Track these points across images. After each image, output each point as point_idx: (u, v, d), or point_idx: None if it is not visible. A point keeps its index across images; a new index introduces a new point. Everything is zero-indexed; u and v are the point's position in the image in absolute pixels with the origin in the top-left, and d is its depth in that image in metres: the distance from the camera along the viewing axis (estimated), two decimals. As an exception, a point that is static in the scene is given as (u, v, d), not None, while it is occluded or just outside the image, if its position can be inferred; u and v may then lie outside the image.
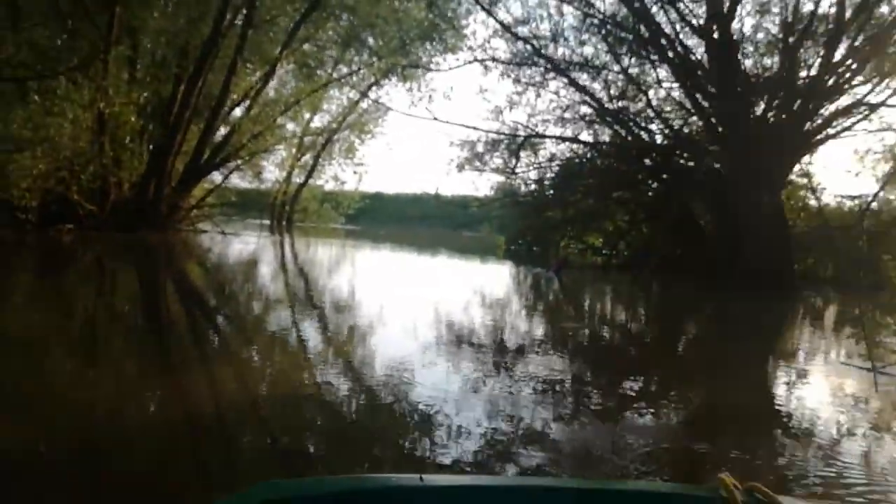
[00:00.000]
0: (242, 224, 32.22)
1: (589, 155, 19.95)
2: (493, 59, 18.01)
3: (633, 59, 16.76)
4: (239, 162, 20.60)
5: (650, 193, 19.19)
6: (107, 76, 15.83)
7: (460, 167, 21.32)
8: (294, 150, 34.52)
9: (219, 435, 3.55)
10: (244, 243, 19.05)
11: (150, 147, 18.45)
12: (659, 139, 18.43)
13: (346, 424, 3.75)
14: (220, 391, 4.34)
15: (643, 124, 17.62)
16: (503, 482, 1.97)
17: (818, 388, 5.43)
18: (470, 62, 18.53)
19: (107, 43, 15.94)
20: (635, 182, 19.43)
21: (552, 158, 20.98)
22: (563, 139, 18.98)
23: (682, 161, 17.26)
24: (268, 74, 18.90)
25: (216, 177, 26.05)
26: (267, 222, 35.10)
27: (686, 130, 17.68)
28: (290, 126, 31.54)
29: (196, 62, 17.06)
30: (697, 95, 15.82)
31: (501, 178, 22.40)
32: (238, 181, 34.47)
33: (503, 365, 5.43)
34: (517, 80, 18.14)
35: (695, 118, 17.20)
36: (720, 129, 15.51)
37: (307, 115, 31.44)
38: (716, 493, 1.52)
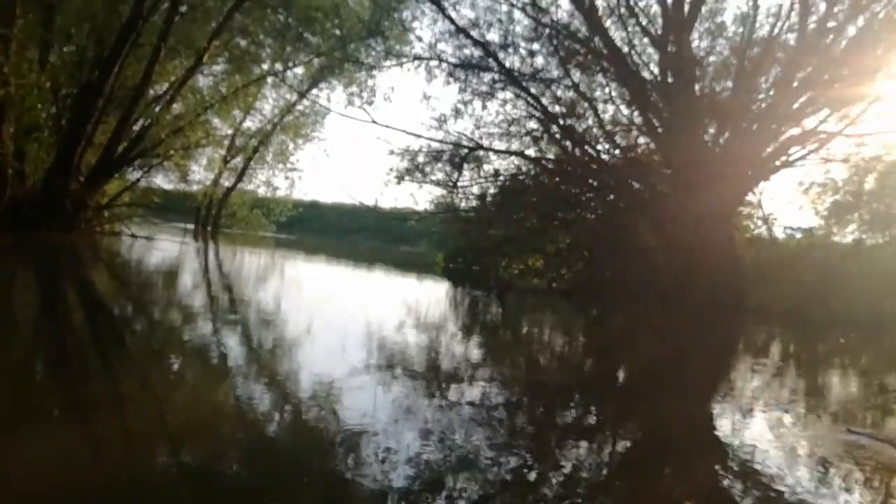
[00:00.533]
0: (164, 228, 30.24)
1: (534, 172, 19.16)
2: (440, 60, 17.02)
3: (583, 74, 16.05)
4: (158, 159, 18.86)
5: (594, 216, 18.50)
6: (8, 54, 14.09)
7: (399, 178, 20.21)
8: (223, 152, 32.71)
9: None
10: (161, 249, 17.37)
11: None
12: (606, 159, 17.80)
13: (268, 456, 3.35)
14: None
15: (591, 142, 16.90)
16: None
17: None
18: (414, 60, 17.47)
19: (8, 16, 14.22)
20: (580, 203, 18.73)
21: (496, 174, 20.11)
22: (508, 153, 18.11)
23: (630, 183, 16.61)
24: (194, 65, 17.34)
25: (135, 175, 24.35)
26: (191, 226, 33.07)
27: (635, 152, 17.10)
28: (220, 125, 29.88)
29: (112, 46, 15.43)
30: (649, 115, 15.22)
31: (442, 192, 21.46)
32: (163, 182, 32.76)
33: (434, 392, 5.11)
34: (463, 88, 17.19)
35: (645, 139, 16.65)
36: (670, 151, 14.95)
37: (239, 115, 29.84)
38: None
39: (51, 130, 17.24)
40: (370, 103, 19.32)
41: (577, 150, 17.83)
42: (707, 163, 14.02)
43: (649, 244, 16.79)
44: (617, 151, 17.26)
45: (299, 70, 30.17)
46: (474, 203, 20.85)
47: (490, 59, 16.53)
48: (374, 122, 18.31)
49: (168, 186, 33.73)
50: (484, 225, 20.33)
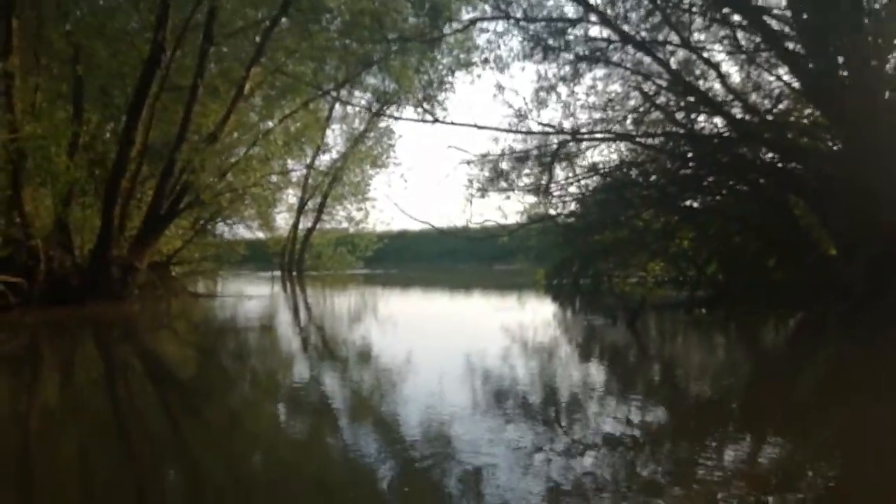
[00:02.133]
0: (249, 279, 28.86)
1: (641, 158, 15.90)
2: (518, 21, 14.06)
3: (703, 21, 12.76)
4: (210, 208, 16.96)
5: (730, 200, 14.97)
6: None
7: (482, 190, 17.46)
8: (300, 193, 31.22)
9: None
10: (230, 309, 15.35)
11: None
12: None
13: None
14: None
15: (720, 108, 13.44)
16: None
17: None
18: (492, 19, 14.70)
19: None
20: (709, 188, 15.27)
21: (595, 168, 16.98)
22: (614, 137, 14.93)
23: (787, 154, 13.04)
24: (235, 98, 15.31)
25: (204, 229, 22.89)
26: (276, 273, 31.63)
27: (789, 115, 13.57)
28: (291, 164, 28.24)
29: (137, 87, 13.60)
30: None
31: (533, 200, 18.53)
32: (239, 232, 31.58)
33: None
34: (552, 57, 14.14)
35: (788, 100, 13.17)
36: (827, 106, 11.42)
37: (309, 152, 28.12)
38: None
39: (96, 193, 15.71)
40: (441, 106, 16.77)
41: (704, 120, 14.44)
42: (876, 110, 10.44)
43: (813, 234, 13.12)
44: (754, 118, 13.69)
45: (361, 95, 28.53)
46: (572, 206, 17.82)
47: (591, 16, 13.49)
48: (436, 121, 15.57)
49: (248, 236, 32.89)
50: (588, 230, 17.22)
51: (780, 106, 14.07)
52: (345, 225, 33.78)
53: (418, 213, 72.92)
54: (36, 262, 12.85)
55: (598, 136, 15.09)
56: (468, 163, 17.14)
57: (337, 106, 30.15)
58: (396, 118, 23.52)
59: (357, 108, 30.13)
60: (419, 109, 22.45)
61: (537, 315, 13.81)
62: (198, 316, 14.13)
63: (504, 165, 16.88)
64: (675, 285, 16.73)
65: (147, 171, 17.39)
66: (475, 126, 14.27)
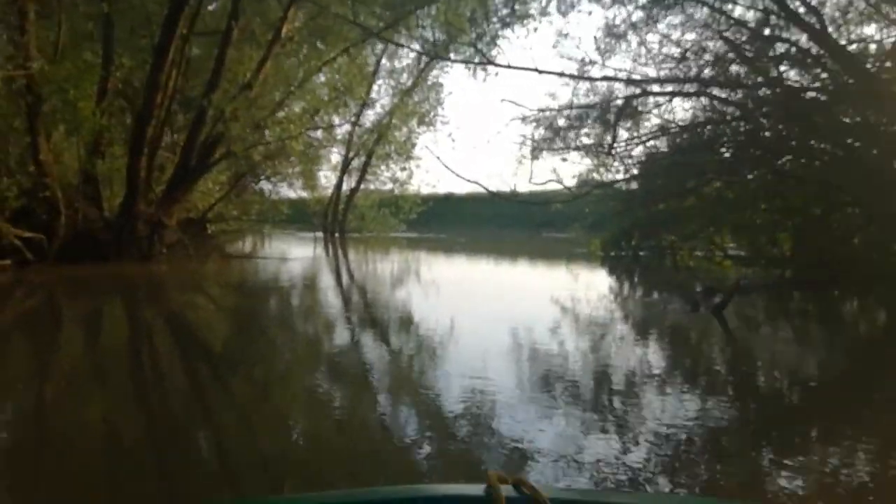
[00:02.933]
0: (290, 239, 28.09)
1: (718, 117, 14.17)
2: None
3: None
4: (249, 162, 15.86)
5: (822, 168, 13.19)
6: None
7: (536, 151, 15.98)
8: (343, 151, 30.10)
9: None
10: (267, 271, 14.37)
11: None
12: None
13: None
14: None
15: (818, 61, 11.65)
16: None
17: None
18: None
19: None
20: (800, 149, 13.49)
21: (663, 129, 15.32)
22: (699, 90, 13.24)
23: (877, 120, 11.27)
24: (272, 41, 14.08)
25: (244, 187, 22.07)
26: (319, 234, 30.76)
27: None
28: (333, 119, 27.09)
29: (163, 23, 12.46)
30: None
31: (593, 163, 16.96)
32: (285, 191, 30.73)
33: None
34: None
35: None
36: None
37: (353, 108, 26.85)
38: (483, 491, 1.41)
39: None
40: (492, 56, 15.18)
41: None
42: None
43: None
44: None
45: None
46: (635, 171, 16.20)
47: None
48: (489, 63, 14.10)
49: (290, 195, 32.05)
50: (653, 196, 15.63)
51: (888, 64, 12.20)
52: (389, 186, 32.59)
53: (466, 175, 71.22)
54: (56, 216, 11.96)
55: (672, 89, 13.40)
56: (522, 119, 15.66)
57: (384, 60, 28.93)
58: (451, 62, 22.03)
59: (404, 62, 28.82)
60: (470, 59, 21.11)
61: (591, 288, 12.40)
62: (229, 278, 13.19)
63: (562, 122, 15.40)
64: (750, 262, 15.11)
65: (182, 120, 16.45)
66: (535, 70, 12.68)
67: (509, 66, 13.78)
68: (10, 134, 11.85)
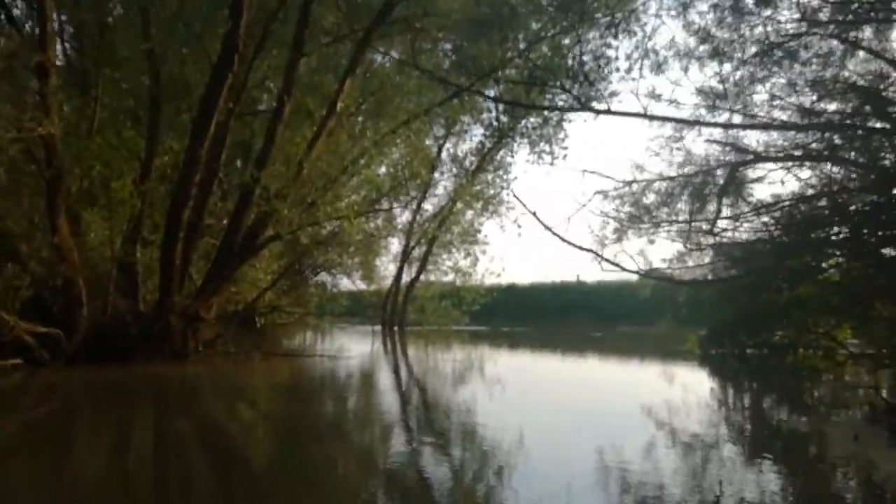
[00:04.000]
0: (348, 331, 26.48)
1: (840, 184, 11.98)
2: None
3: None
4: (300, 249, 14.36)
5: None
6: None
7: (621, 231, 14.00)
8: (403, 240, 28.78)
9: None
10: (320, 371, 12.57)
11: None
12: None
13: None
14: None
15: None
16: None
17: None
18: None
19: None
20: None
21: (772, 205, 13.17)
22: (814, 155, 11.20)
23: None
24: (327, 115, 12.81)
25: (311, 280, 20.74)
26: (377, 328, 29.04)
27: None
28: (396, 210, 25.84)
29: (204, 96, 11.31)
30: None
31: (685, 246, 14.82)
32: (345, 283, 29.44)
33: None
34: (727, 51, 10.78)
35: None
36: None
37: (413, 193, 25.61)
38: None
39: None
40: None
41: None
42: None
43: None
44: None
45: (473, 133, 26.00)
46: (737, 253, 13.96)
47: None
48: (587, 107, 12.28)
49: (349, 287, 30.68)
50: (759, 283, 13.31)
51: None
52: (451, 276, 30.86)
53: (532, 264, 68.91)
54: (76, 308, 10.51)
55: (796, 153, 11.32)
56: (604, 195, 13.80)
57: (446, 145, 27.85)
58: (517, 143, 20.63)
59: (467, 144, 27.69)
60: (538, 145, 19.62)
61: (692, 392, 10.05)
62: (276, 380, 11.41)
63: (650, 199, 13.47)
64: (879, 362, 12.49)
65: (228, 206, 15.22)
66: (644, 116, 10.84)
67: (609, 112, 11.94)
68: (21, 210, 10.59)
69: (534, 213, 13.56)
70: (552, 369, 14.56)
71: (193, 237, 11.90)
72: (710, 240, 13.34)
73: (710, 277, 14.35)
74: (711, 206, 12.91)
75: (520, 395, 9.92)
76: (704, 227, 13.16)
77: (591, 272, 41.27)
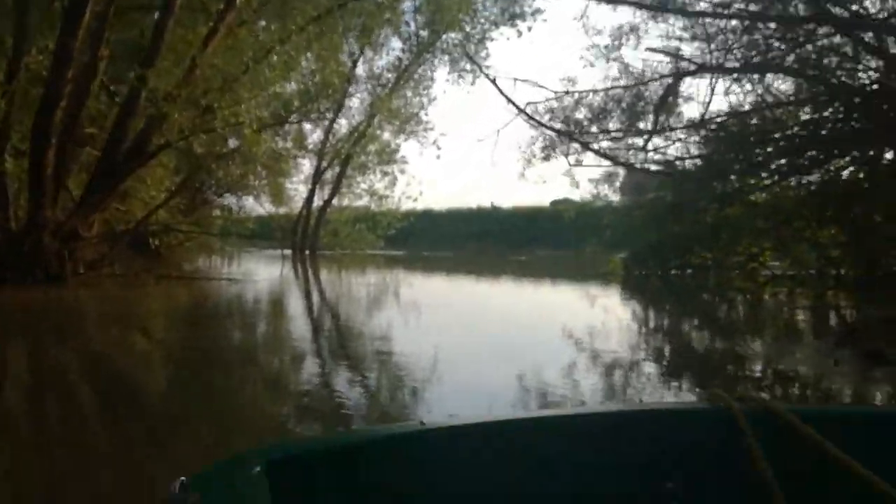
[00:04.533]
0: (251, 257, 25.02)
1: (777, 106, 11.58)
2: None
3: None
4: (188, 157, 12.80)
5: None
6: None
7: (548, 150, 13.27)
8: (315, 161, 27.15)
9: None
10: (221, 294, 11.36)
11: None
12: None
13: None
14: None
15: None
16: (506, 418, 1.75)
17: None
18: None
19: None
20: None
21: (703, 122, 12.69)
22: (761, 64, 10.61)
23: None
24: (224, 10, 11.15)
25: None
26: (287, 252, 27.62)
27: None
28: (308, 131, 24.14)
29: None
30: None
31: (610, 166, 14.26)
32: (251, 204, 27.89)
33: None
34: None
35: None
36: None
37: (325, 109, 23.94)
38: (716, 406, 1.62)
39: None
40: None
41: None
42: None
43: None
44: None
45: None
46: (668, 172, 13.51)
47: None
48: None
49: (260, 210, 28.99)
50: (686, 206, 12.96)
51: None
52: (366, 199, 29.60)
53: (452, 189, 67.88)
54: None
55: (734, 65, 10.73)
56: (534, 107, 12.94)
57: (362, 61, 26.05)
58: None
59: (384, 59, 26.02)
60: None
61: (614, 314, 9.58)
62: (173, 305, 10.18)
63: (581, 115, 12.73)
64: (802, 283, 12.51)
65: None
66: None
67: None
68: None
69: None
70: (475, 293, 13.90)
71: (67, 144, 10.21)
72: (642, 157, 12.83)
73: (637, 198, 13.95)
74: (644, 125, 12.33)
75: (437, 320, 9.13)
76: (638, 143, 12.61)
77: (507, 198, 40.81)
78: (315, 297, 12.58)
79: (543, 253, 27.68)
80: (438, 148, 25.80)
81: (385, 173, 26.91)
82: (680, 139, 12.48)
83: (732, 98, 11.69)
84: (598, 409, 1.76)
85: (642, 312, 10.68)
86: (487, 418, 1.65)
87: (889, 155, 11.55)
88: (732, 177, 12.77)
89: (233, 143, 16.05)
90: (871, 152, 11.50)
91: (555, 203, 38.10)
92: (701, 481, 1.61)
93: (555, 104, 12.35)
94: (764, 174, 12.87)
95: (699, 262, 13.55)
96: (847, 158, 11.98)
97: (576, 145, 13.04)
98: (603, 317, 9.13)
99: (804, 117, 11.61)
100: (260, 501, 1.15)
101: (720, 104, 12.18)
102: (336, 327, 8.62)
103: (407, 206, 30.27)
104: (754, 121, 12.64)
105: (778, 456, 1.50)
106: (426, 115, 26.04)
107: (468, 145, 74.56)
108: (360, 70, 25.94)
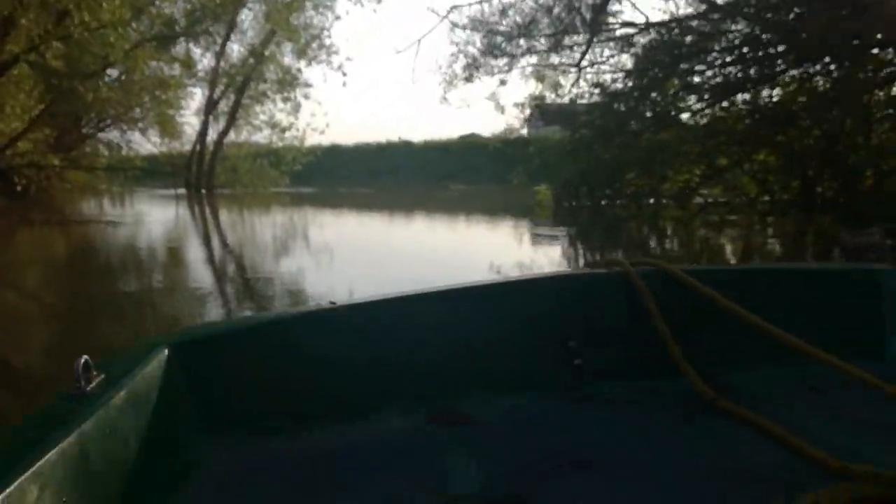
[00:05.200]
0: (146, 198, 22.72)
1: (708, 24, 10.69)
2: None
3: None
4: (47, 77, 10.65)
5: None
6: None
7: (471, 68, 11.94)
8: (205, 89, 24.69)
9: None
10: (102, 239, 9.56)
11: None
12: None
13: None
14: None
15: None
16: (413, 293, 1.70)
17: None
18: None
19: None
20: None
21: (629, 42, 11.69)
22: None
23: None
24: None
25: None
26: (182, 192, 25.26)
27: None
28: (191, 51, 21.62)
29: None
30: None
31: (540, 88, 13.10)
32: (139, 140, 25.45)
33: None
34: None
35: None
36: None
37: (214, 30, 21.51)
38: (613, 270, 1.74)
39: None
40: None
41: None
42: None
43: None
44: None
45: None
46: (595, 95, 12.50)
47: None
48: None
49: (147, 147, 26.34)
50: (617, 128, 12.06)
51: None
52: (266, 133, 27.41)
53: (357, 119, 65.25)
54: None
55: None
56: (453, 27, 11.54)
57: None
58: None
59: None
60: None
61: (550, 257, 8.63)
62: (43, 255, 8.42)
63: (504, 25, 11.44)
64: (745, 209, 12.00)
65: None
66: None
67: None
68: None
69: None
70: (396, 234, 12.59)
71: None
72: (572, 77, 11.74)
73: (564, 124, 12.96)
74: (575, 39, 11.18)
75: (353, 266, 7.85)
76: (567, 60, 11.47)
77: (416, 133, 39.23)
78: (215, 242, 10.97)
79: (462, 187, 26.53)
80: (344, 74, 23.91)
81: (287, 99, 24.72)
82: (612, 55, 11.45)
83: (672, 6, 10.68)
84: (503, 279, 1.83)
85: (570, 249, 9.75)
86: (394, 294, 1.62)
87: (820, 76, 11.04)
88: (668, 96, 11.94)
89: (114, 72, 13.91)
90: (809, 71, 10.90)
91: (464, 138, 37.01)
92: (602, 339, 1.69)
93: (479, 9, 10.98)
94: (697, 95, 12.13)
95: (631, 190, 12.76)
96: (783, 77, 11.37)
97: (501, 62, 11.79)
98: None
99: (744, 31, 10.81)
100: (163, 380, 1.22)
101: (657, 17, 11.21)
102: (232, 277, 7.20)
103: (312, 140, 28.34)
104: (689, 38, 11.78)
105: (672, 311, 1.65)
106: (329, 36, 24.02)
107: (375, 71, 71.60)
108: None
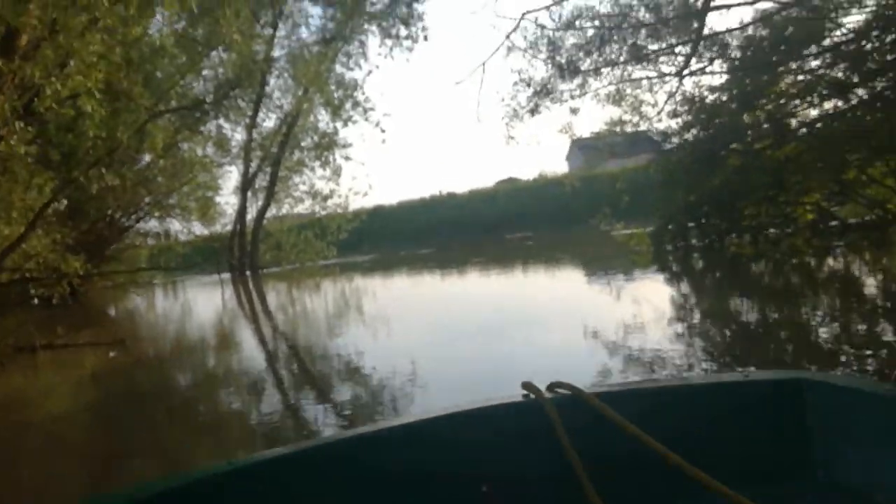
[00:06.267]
0: (190, 285, 21.23)
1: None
2: None
3: None
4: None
5: None
6: None
7: (541, 95, 9.88)
8: (241, 167, 23.32)
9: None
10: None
11: None
12: None
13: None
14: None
15: None
16: (315, 444, 1.74)
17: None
18: None
19: None
20: None
21: (724, 49, 9.50)
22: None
23: None
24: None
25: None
26: (225, 276, 23.63)
27: None
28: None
29: None
30: None
31: (617, 110, 10.97)
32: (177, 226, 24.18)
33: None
34: None
35: None
36: None
37: (243, 104, 20.13)
38: (528, 399, 1.63)
39: None
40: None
41: None
42: None
43: None
44: None
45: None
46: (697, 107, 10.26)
47: None
48: None
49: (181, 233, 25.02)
50: (729, 139, 9.77)
51: None
52: (308, 203, 25.77)
53: (400, 178, 63.93)
54: None
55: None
56: (509, 47, 9.53)
57: (278, 36, 22.12)
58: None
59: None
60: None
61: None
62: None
63: (570, 43, 9.36)
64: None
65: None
66: None
67: None
68: None
69: None
70: (495, 298, 10.12)
71: None
72: (663, 93, 9.56)
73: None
74: (669, 42, 9.03)
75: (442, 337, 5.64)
76: (654, 73, 9.31)
77: (459, 183, 37.48)
78: (267, 330, 8.93)
79: (519, 235, 24.25)
80: (382, 131, 22.24)
81: (325, 164, 23.02)
82: (713, 59, 9.26)
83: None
84: (421, 417, 1.64)
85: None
86: (291, 448, 1.60)
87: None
88: (780, 101, 9.66)
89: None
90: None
91: (501, 184, 35.01)
92: (519, 477, 1.59)
93: (540, 32, 8.95)
94: (811, 97, 9.82)
95: (750, 223, 10.36)
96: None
97: (573, 85, 9.71)
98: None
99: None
100: None
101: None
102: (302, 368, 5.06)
103: (355, 205, 26.63)
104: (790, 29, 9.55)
105: (589, 440, 1.53)
106: (363, 93, 22.31)
107: (413, 126, 70.29)
108: (278, 53, 21.97)
